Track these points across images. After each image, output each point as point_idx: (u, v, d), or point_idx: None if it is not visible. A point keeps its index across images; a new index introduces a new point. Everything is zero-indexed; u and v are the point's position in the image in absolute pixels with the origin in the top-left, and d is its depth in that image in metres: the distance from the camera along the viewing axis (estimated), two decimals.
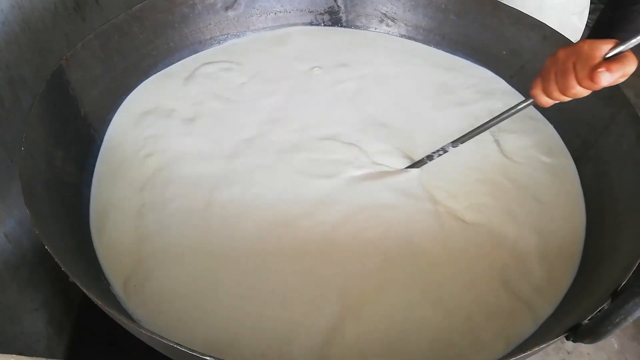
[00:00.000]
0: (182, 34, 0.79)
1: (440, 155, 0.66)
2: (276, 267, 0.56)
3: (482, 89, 0.79)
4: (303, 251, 0.57)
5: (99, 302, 0.41)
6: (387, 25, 0.88)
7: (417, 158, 0.68)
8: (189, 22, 0.79)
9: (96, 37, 0.69)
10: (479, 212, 0.62)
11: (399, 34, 0.87)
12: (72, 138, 0.63)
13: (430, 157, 0.67)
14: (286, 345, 0.50)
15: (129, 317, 0.48)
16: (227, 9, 0.83)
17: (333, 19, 0.88)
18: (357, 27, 0.88)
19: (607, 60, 0.49)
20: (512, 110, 0.60)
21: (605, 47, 0.49)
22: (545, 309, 0.54)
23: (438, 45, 0.85)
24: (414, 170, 0.66)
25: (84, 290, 0.41)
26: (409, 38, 0.87)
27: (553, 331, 0.49)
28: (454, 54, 0.85)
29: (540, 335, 0.51)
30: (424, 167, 0.67)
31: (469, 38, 0.84)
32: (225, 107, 0.73)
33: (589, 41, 0.50)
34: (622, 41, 0.49)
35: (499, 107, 0.76)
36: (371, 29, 0.88)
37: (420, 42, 0.86)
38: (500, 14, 0.81)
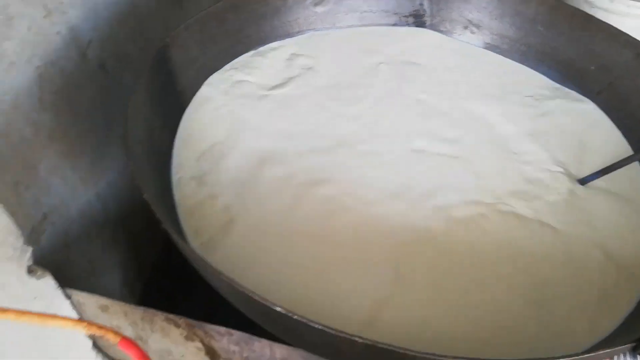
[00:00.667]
0: (272, 25, 0.83)
1: None
2: (337, 238, 0.58)
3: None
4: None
5: (185, 250, 0.45)
6: (472, 32, 0.88)
7: None
8: (280, 14, 0.84)
9: (196, 22, 0.75)
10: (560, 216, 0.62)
11: (483, 41, 0.87)
12: (168, 110, 0.68)
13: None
14: (337, 305, 0.52)
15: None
16: (316, 4, 0.86)
17: (417, 22, 0.89)
18: (440, 32, 0.89)
19: None
20: None
21: None
22: (613, 318, 0.53)
23: (523, 55, 0.85)
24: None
25: (174, 238, 0.45)
26: (493, 46, 0.86)
27: (619, 340, 0.47)
28: (538, 65, 0.84)
29: (606, 343, 0.50)
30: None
31: (556, 50, 0.82)
32: (295, 92, 0.76)
33: None
34: None
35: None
36: (455, 35, 0.88)
37: (505, 51, 0.86)
38: (592, 27, 0.79)
